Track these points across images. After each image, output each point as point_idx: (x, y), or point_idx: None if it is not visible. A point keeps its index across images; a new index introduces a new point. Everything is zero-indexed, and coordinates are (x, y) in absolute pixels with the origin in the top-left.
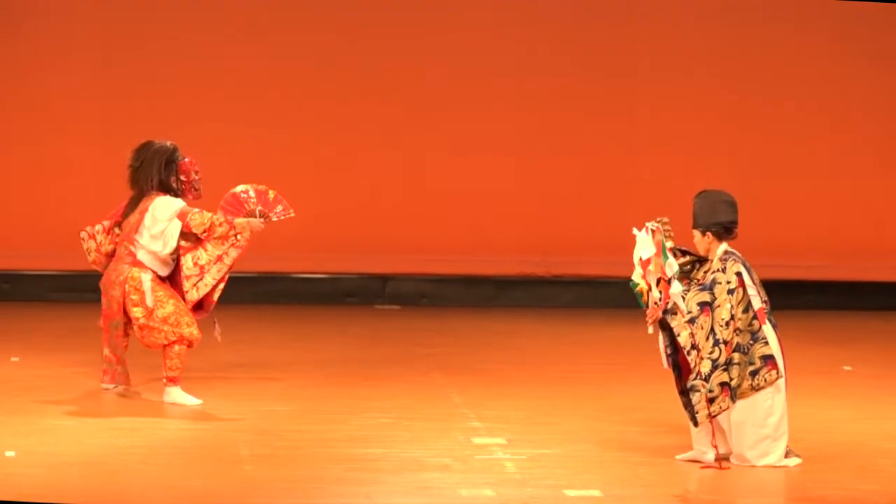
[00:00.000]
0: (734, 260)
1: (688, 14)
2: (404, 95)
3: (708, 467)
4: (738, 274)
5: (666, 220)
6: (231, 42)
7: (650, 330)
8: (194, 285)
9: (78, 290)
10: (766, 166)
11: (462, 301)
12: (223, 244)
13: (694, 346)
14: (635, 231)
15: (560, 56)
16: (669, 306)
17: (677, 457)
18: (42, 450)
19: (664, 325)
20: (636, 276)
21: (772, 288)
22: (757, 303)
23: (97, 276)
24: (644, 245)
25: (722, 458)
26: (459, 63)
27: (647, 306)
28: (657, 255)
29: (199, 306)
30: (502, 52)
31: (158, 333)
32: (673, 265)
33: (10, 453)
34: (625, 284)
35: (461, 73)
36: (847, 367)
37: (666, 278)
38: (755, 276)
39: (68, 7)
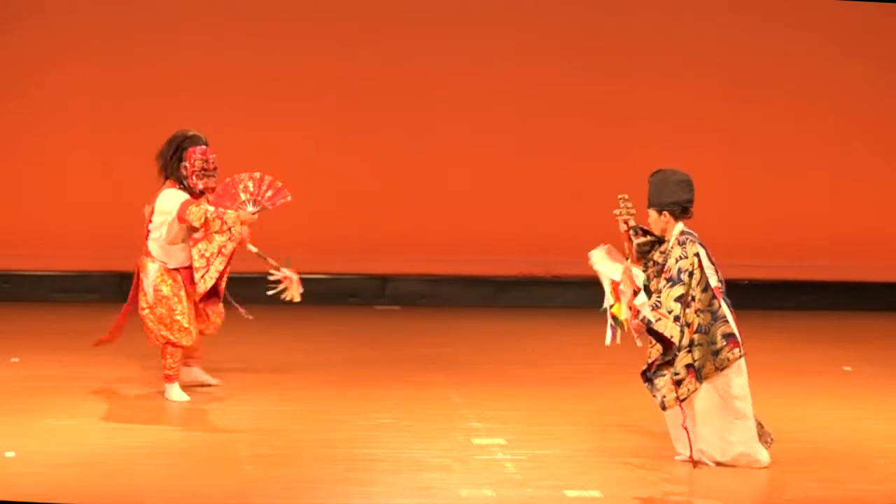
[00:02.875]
0: (692, 241)
1: (686, 15)
2: (404, 96)
3: (698, 467)
4: (697, 255)
5: (626, 196)
6: (233, 43)
7: (639, 343)
8: (202, 277)
9: (78, 290)
10: (765, 167)
11: (462, 301)
12: (222, 236)
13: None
14: (591, 255)
15: (559, 57)
16: (640, 317)
17: (676, 457)
18: (42, 450)
19: (652, 332)
20: (607, 303)
21: (771, 288)
22: (714, 282)
23: (97, 277)
24: (607, 267)
25: (697, 460)
26: (459, 64)
27: (623, 326)
28: (625, 271)
29: (213, 293)
30: (502, 53)
31: (148, 330)
32: (639, 275)
33: (10, 453)
34: None
35: (461, 74)
36: (847, 368)
37: (637, 289)
38: (712, 257)
39: (68, 7)
